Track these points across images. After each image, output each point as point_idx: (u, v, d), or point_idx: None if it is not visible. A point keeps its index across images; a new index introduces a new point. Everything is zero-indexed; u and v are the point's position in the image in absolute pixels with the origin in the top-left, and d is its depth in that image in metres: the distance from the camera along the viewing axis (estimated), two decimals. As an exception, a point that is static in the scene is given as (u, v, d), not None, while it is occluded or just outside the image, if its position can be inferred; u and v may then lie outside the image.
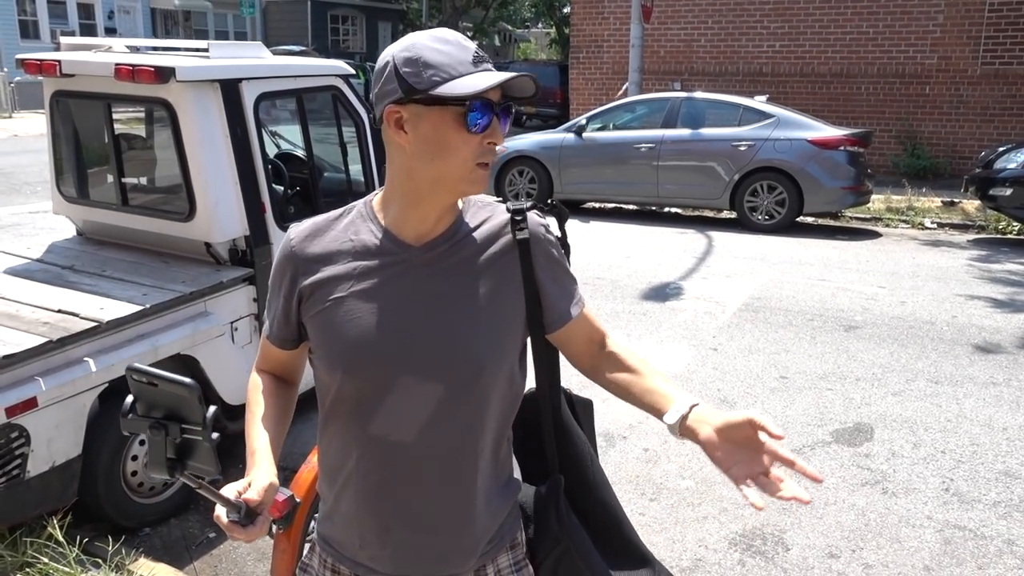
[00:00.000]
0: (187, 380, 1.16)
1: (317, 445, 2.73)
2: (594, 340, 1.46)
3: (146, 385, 1.17)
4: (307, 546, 2.81)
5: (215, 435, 1.17)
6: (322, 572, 1.49)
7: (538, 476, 1.54)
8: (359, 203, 1.41)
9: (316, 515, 2.77)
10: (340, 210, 1.42)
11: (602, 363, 1.45)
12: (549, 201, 1.55)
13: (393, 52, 1.27)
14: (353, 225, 1.38)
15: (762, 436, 1.23)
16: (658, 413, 1.34)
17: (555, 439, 1.53)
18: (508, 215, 1.39)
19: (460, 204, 1.39)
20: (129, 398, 1.19)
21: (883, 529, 3.53)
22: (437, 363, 1.31)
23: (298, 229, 1.41)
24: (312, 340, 1.38)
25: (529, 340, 1.44)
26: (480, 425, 1.36)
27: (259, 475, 1.32)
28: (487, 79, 1.23)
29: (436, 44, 1.26)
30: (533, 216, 1.41)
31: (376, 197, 1.40)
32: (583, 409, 1.64)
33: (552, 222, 1.46)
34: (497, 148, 1.30)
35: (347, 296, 1.33)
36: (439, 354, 1.31)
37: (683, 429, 1.30)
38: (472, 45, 1.28)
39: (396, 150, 1.30)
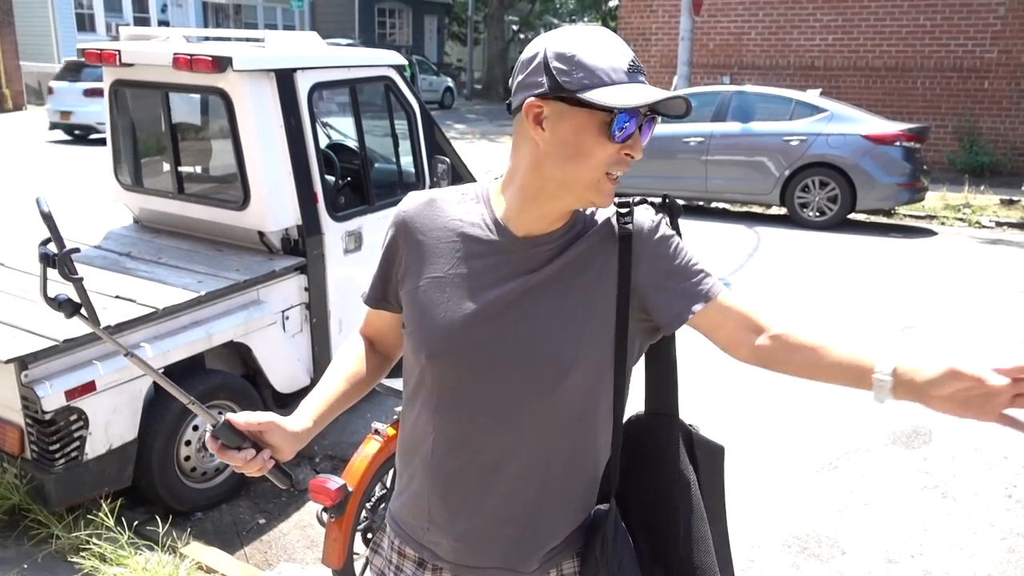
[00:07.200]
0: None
1: (367, 435, 2.74)
2: (748, 327, 1.32)
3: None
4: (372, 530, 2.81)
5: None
6: (390, 553, 1.48)
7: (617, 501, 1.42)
8: (477, 185, 1.39)
9: (368, 504, 2.79)
10: (460, 187, 1.40)
11: (773, 350, 1.31)
12: (662, 199, 1.46)
13: (545, 44, 1.22)
14: (466, 206, 1.35)
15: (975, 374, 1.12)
16: (858, 380, 1.28)
17: (638, 468, 1.43)
18: (614, 211, 1.33)
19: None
20: None
21: (943, 535, 3.43)
22: (519, 363, 1.27)
23: (414, 198, 1.39)
24: (404, 316, 1.37)
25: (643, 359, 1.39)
26: (559, 433, 1.31)
27: (274, 415, 1.29)
28: (642, 95, 1.18)
29: (593, 45, 1.20)
30: (641, 211, 1.34)
31: (497, 183, 1.36)
32: (705, 454, 1.47)
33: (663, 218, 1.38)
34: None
35: (443, 277, 1.31)
36: (523, 354, 1.27)
37: (897, 391, 1.22)
38: (629, 53, 1.22)
39: (528, 144, 1.25)
